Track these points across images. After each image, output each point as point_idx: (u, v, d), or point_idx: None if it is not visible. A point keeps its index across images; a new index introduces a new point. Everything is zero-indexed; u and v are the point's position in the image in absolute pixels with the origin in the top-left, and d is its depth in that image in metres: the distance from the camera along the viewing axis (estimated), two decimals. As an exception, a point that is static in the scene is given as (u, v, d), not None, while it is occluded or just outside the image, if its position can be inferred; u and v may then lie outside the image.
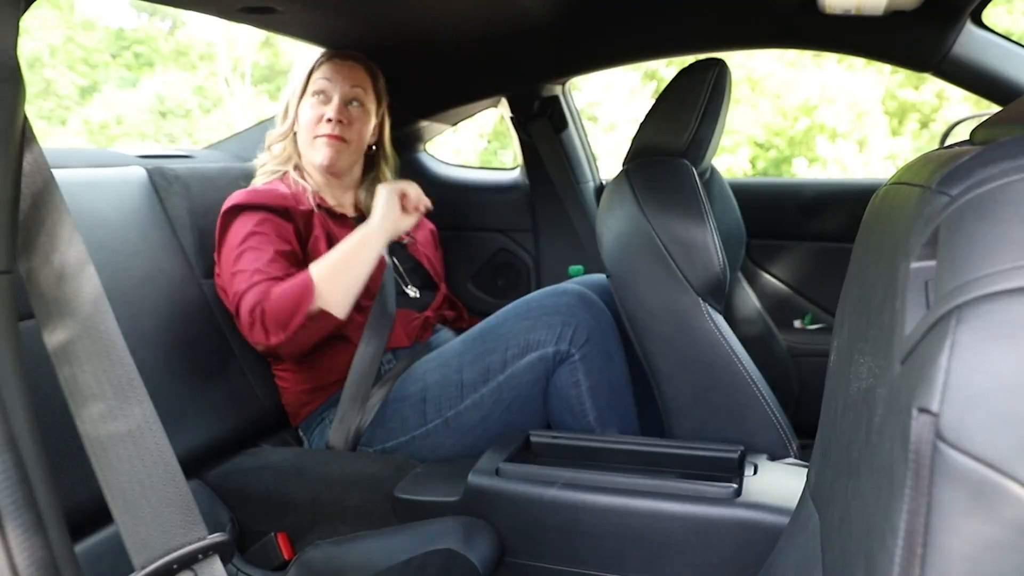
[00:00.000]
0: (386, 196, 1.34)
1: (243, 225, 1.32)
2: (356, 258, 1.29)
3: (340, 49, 1.46)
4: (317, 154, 1.41)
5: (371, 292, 1.39)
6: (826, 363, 0.68)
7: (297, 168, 1.45)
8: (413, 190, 1.38)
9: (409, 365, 1.36)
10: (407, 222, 1.36)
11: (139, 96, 10.47)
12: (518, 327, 1.25)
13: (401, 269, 1.51)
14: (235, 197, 1.35)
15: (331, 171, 1.44)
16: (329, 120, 1.39)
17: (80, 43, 10.40)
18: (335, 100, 1.40)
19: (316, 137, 1.41)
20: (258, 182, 1.45)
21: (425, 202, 1.39)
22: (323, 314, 1.25)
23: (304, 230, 1.38)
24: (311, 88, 1.41)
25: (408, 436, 1.30)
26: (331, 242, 1.39)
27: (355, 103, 1.43)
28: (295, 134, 1.45)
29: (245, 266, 1.28)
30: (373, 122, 1.47)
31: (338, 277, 1.27)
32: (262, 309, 1.23)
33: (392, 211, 1.33)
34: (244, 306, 1.25)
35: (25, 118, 0.57)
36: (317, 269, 1.27)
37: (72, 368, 0.58)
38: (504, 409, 1.26)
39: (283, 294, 1.24)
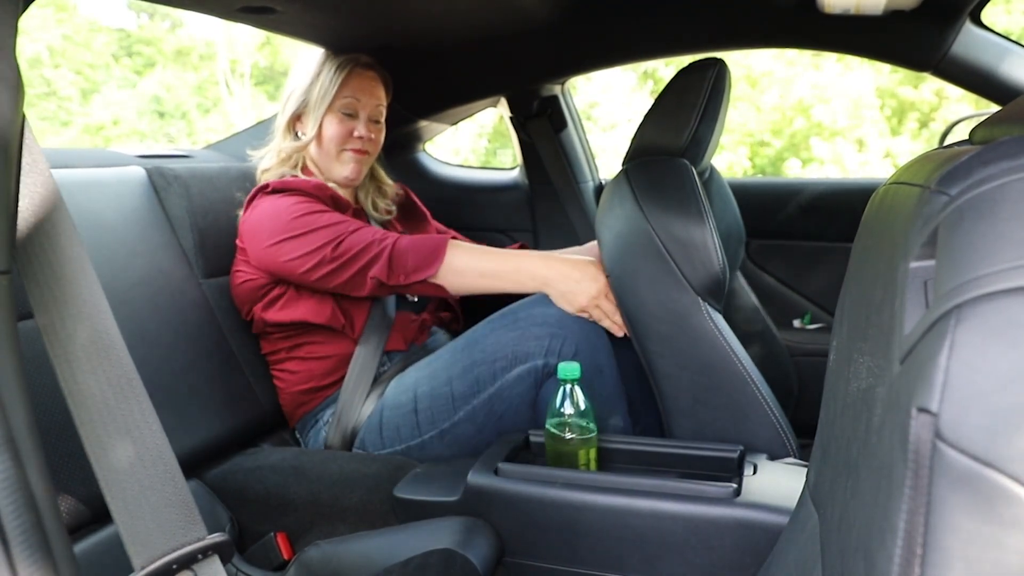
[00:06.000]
0: (593, 278, 1.25)
1: (287, 200, 1.32)
2: (504, 267, 1.28)
3: (340, 50, 1.46)
4: (344, 168, 1.44)
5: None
6: (826, 363, 0.68)
7: (304, 172, 1.46)
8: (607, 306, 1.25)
9: (403, 368, 1.36)
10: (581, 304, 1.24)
11: (137, 96, 10.44)
12: (505, 338, 1.24)
13: None
14: (269, 184, 1.36)
15: (354, 183, 1.48)
16: (360, 137, 1.43)
17: (81, 43, 10.39)
18: (362, 117, 1.44)
19: (343, 151, 1.44)
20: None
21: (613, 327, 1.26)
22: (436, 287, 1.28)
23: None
24: (338, 103, 1.42)
25: (403, 446, 1.29)
26: None
27: (377, 118, 1.48)
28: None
29: (327, 221, 1.28)
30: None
31: (473, 268, 1.27)
32: (389, 249, 1.26)
33: (589, 289, 1.24)
34: (354, 242, 1.26)
35: (24, 118, 0.57)
36: (456, 245, 1.28)
37: (72, 368, 0.58)
38: (497, 419, 1.25)
39: (415, 242, 1.27)
